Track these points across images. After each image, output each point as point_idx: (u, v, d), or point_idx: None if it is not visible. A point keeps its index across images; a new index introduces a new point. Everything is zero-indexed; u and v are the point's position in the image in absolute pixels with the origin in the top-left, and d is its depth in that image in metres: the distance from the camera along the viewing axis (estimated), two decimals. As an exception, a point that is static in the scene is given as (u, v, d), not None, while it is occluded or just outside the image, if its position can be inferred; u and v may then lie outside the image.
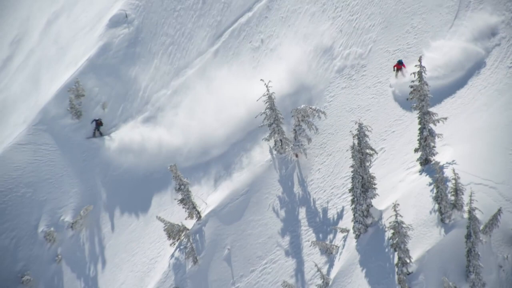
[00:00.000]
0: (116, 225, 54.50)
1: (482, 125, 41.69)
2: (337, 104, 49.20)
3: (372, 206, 40.83)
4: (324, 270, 42.04)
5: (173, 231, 49.20)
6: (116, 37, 60.93)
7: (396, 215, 36.72)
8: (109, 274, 52.61)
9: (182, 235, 48.94)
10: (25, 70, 66.18)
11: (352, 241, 41.39)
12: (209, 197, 50.69)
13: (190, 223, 49.67)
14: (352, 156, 40.35)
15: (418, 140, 40.86)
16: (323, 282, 41.13)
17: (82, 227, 55.10)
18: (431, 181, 39.24)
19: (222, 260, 47.38)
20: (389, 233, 38.17)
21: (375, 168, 42.15)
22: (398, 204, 37.00)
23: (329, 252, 42.86)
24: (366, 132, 40.32)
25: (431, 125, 40.40)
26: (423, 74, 39.47)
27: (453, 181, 37.39)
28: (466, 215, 36.55)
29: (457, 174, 37.36)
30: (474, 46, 46.33)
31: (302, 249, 44.72)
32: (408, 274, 36.87)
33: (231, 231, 48.20)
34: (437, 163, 39.23)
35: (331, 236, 43.70)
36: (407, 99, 42.54)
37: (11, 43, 70.39)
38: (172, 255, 49.39)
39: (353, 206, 40.89)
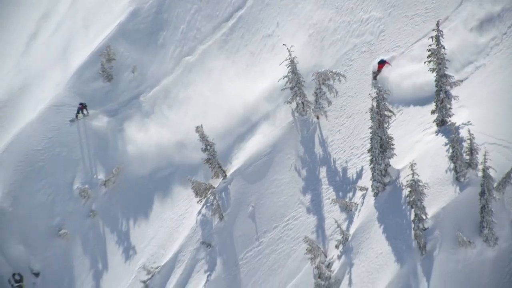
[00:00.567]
0: (146, 184, 55.23)
1: (497, 88, 41.45)
2: (357, 67, 49.04)
3: (390, 165, 40.96)
4: (344, 226, 42.32)
5: (200, 189, 49.72)
6: (145, 2, 61.04)
7: (413, 174, 36.86)
8: (140, 229, 53.34)
9: (209, 193, 49.42)
10: (55, 40, 66.50)
11: (370, 199, 41.62)
12: (234, 157, 51.13)
13: (216, 182, 50.26)
14: (371, 118, 40.45)
15: (434, 102, 40.87)
16: (342, 237, 41.53)
17: (114, 184, 55.80)
18: (447, 142, 39.27)
19: (247, 217, 47.86)
20: (406, 191, 38.35)
21: (393, 129, 42.07)
22: (415, 164, 37.14)
23: (348, 209, 43.14)
24: (385, 95, 40.44)
25: (448, 88, 40.38)
26: (440, 38, 39.39)
27: (468, 141, 37.44)
28: (480, 174, 36.64)
29: (472, 134, 37.38)
30: (491, 7, 45.55)
31: (322, 206, 45.00)
32: (424, 230, 37.15)
33: (255, 189, 48.57)
34: (453, 124, 39.27)
35: (350, 194, 43.89)
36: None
37: (38, 20, 70.53)
38: (199, 212, 49.95)
39: (372, 165, 41.07)
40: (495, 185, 36.60)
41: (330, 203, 44.19)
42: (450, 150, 38.00)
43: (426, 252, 36.83)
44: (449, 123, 40.23)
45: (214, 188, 49.57)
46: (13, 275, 54.33)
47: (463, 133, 38.30)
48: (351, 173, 44.78)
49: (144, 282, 49.64)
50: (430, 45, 39.90)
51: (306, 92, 48.26)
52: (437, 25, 39.11)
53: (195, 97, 55.81)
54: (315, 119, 48.45)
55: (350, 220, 42.63)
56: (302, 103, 48.79)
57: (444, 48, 39.57)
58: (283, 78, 48.24)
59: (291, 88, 48.34)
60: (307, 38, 52.67)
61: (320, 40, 52.11)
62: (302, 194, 46.31)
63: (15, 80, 64.32)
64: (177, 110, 55.96)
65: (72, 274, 54.25)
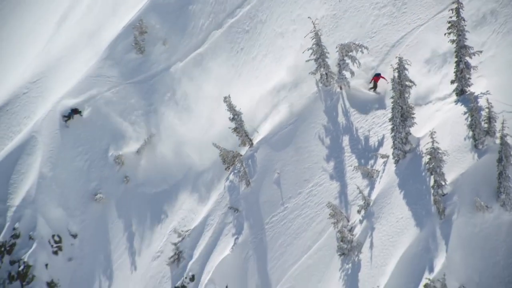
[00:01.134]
0: (177, 149, 55.60)
1: (515, 57, 41.30)
2: (379, 39, 48.75)
3: (410, 133, 40.85)
4: (366, 192, 42.31)
5: (228, 157, 50.15)
6: (176, -24, 61.30)
7: (432, 142, 36.82)
8: (171, 195, 53.92)
9: (236, 160, 49.79)
10: (88, 18, 66.80)
11: (391, 166, 41.57)
12: (260, 126, 51.31)
13: (243, 150, 50.60)
14: (392, 88, 40.40)
15: (454, 72, 40.68)
16: (364, 203, 41.63)
17: (147, 152, 56.32)
18: (466, 110, 39.11)
19: (272, 183, 48.10)
20: (426, 159, 38.25)
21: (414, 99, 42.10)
22: (434, 132, 37.10)
23: (370, 176, 43.13)
24: (406, 66, 40.35)
25: (467, 58, 40.18)
26: (460, 10, 39.18)
27: (487, 110, 37.31)
28: (498, 141, 36.54)
29: (491, 103, 37.23)
30: None
31: (345, 173, 45.03)
32: (443, 195, 37.15)
33: (280, 157, 48.72)
34: (472, 93, 39.18)
35: (372, 161, 43.82)
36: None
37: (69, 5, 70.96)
38: (227, 178, 50.38)
39: (393, 134, 41.00)
40: (512, 152, 36.61)
41: (353, 170, 44.16)
42: (469, 119, 37.94)
43: (445, 217, 36.87)
44: (468, 92, 40.17)
45: (241, 155, 49.91)
46: (53, 236, 55.26)
47: (482, 102, 38.13)
48: (373, 141, 44.71)
49: (175, 244, 50.22)
50: (451, 17, 39.72)
51: (330, 63, 48.31)
52: (458, -3, 38.96)
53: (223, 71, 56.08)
54: (338, 89, 48.38)
55: (371, 186, 42.64)
56: (326, 74, 48.74)
57: (464, 20, 39.36)
58: (308, 50, 48.24)
59: (315, 60, 48.27)
60: (331, 10, 52.46)
61: (343, 11, 51.87)
62: (325, 161, 46.41)
63: (52, 53, 64.96)
64: (204, 84, 56.23)
65: (108, 236, 55.07)
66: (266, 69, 53.33)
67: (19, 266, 54.18)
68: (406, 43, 47.05)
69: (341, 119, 47.22)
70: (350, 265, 40.66)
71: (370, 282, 38.49)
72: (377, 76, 46.04)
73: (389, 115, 41.29)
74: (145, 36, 59.66)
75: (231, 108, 48.81)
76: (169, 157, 54.57)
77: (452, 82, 40.95)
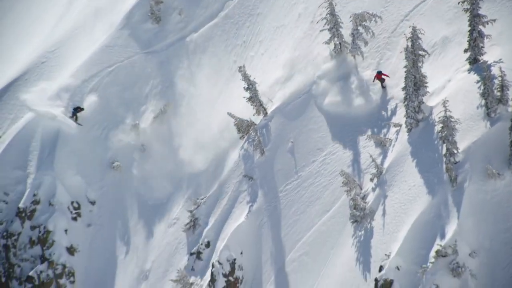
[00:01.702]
0: (193, 118, 55.61)
1: (529, 25, 40.78)
2: (393, 9, 48.27)
3: (423, 102, 40.63)
4: (378, 161, 42.19)
5: (243, 126, 50.12)
6: None
7: (445, 111, 36.61)
8: (186, 162, 54.08)
9: (251, 129, 49.74)
10: None
11: (404, 135, 41.38)
12: (275, 95, 51.14)
13: (257, 119, 50.48)
14: (406, 57, 40.08)
15: (467, 41, 40.23)
16: (377, 171, 41.49)
17: (163, 121, 56.45)
18: (478, 79, 38.78)
19: (286, 152, 48.08)
20: (438, 127, 38.04)
21: (427, 68, 41.65)
22: (447, 101, 36.89)
23: (383, 145, 42.95)
24: (419, 35, 39.96)
25: (481, 27, 39.69)
26: (475, -20, 38.77)
27: (500, 78, 36.96)
28: (510, 109, 36.33)
29: (504, 71, 36.87)
30: None
31: (358, 142, 44.86)
32: (455, 163, 36.98)
33: (294, 126, 48.63)
34: (485, 62, 38.80)
35: (385, 130, 43.65)
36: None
37: None
38: (242, 147, 50.40)
39: (406, 103, 40.78)
40: (525, 120, 36.26)
41: (366, 139, 43.94)
42: (482, 87, 37.63)
43: (456, 184, 36.73)
44: (481, 61, 39.78)
45: (255, 125, 49.88)
46: (72, 203, 55.68)
47: (495, 70, 37.81)
48: (386, 110, 44.53)
49: (190, 211, 50.48)
50: (464, -15, 39.32)
51: (344, 33, 47.95)
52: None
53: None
54: (351, 59, 48.11)
55: (384, 154, 42.53)
56: (340, 44, 48.39)
57: (478, -12, 38.94)
58: (322, 20, 47.90)
59: (329, 30, 47.92)
60: None
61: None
62: (339, 130, 46.33)
63: (69, 24, 64.99)
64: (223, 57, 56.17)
65: (125, 203, 55.47)
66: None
67: (40, 232, 54.66)
68: (421, 12, 46.54)
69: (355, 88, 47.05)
70: (362, 232, 40.71)
71: (382, 248, 38.55)
72: (379, 74, 45.29)
73: (403, 85, 41.03)
74: (161, 6, 59.49)
75: (245, 77, 48.68)
76: (184, 125, 54.70)
77: (465, 51, 40.56)
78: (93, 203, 56.16)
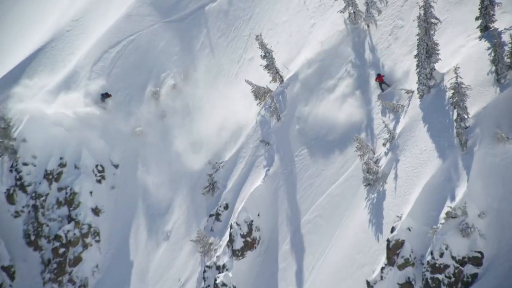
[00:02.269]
0: (211, 88, 55.92)
1: (539, -7, 40.40)
2: (406, -22, 48.11)
3: (435, 69, 40.60)
4: (391, 126, 42.22)
5: (259, 93, 50.35)
6: None
7: (456, 77, 36.51)
8: (204, 128, 54.46)
9: (267, 96, 50.01)
10: None
11: (416, 101, 41.41)
12: (290, 63, 51.26)
13: (273, 86, 50.69)
14: (418, 25, 39.87)
15: (479, 9, 40.01)
16: (389, 136, 41.63)
17: (183, 88, 56.76)
18: (489, 46, 38.58)
19: (302, 118, 48.24)
20: (449, 93, 37.89)
21: (439, 36, 41.49)
22: (458, 67, 36.74)
23: (395, 111, 42.94)
24: (432, 3, 39.83)
25: (492, -5, 39.55)
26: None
27: (510, 45, 36.69)
28: (520, 75, 36.42)
29: (514, 38, 36.88)
30: None
31: (371, 108, 44.98)
32: (465, 128, 36.96)
33: (309, 92, 48.81)
34: (496, 29, 38.58)
35: (397, 97, 43.70)
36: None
37: None
38: (259, 113, 50.68)
39: (418, 70, 40.72)
40: (534, 85, 36.24)
41: (379, 105, 44.11)
42: (492, 54, 37.45)
43: (466, 148, 36.76)
44: (492, 28, 39.59)
45: (272, 91, 50.12)
46: (96, 166, 56.47)
47: (505, 37, 37.58)
48: (398, 77, 44.51)
49: (210, 175, 51.04)
50: (477, -45, 39.05)
51: (358, 2, 47.87)
52: None
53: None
54: (365, 27, 48.00)
55: (396, 120, 42.55)
56: (354, 12, 48.34)
57: (489, -42, 38.64)
58: (335, -8, 47.99)
59: (344, -1, 47.99)
60: None
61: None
62: (352, 95, 46.43)
63: None
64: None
65: (147, 165, 56.19)
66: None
67: (66, 193, 55.59)
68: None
69: (368, 55, 46.97)
70: (375, 194, 40.94)
71: (394, 210, 38.79)
72: (379, 76, 45.13)
73: (415, 52, 41.00)
74: (181, -25, 59.75)
75: (262, 46, 48.82)
76: (202, 90, 55.03)
77: (477, 18, 40.37)
78: (116, 166, 56.92)
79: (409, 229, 36.79)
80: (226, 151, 51.79)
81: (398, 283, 36.63)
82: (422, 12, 39.61)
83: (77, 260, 54.57)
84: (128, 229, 54.85)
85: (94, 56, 59.92)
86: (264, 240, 46.32)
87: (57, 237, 54.53)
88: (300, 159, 47.06)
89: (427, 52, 40.18)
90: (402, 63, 44.73)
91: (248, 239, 46.08)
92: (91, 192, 55.54)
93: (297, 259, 43.58)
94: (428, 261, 35.40)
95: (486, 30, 40.10)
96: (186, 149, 54.43)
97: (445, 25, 42.96)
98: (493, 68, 37.62)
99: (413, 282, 36.38)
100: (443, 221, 35.29)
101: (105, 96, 57.62)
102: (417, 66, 40.75)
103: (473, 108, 37.31)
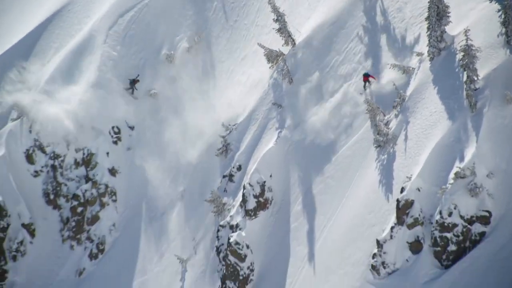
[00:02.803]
0: (224, 48, 55.82)
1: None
2: None
3: (445, 32, 40.23)
4: (401, 89, 42.26)
5: (272, 56, 50.20)
6: None
7: (466, 39, 36.24)
8: (218, 91, 54.57)
9: (280, 59, 49.86)
10: None
11: (426, 63, 41.12)
12: (302, 26, 50.96)
13: (286, 50, 50.46)
14: (430, -11, 39.73)
15: (490, -29, 39.76)
16: (400, 98, 41.58)
17: (197, 51, 56.62)
18: (499, 8, 38.17)
19: (314, 81, 48.05)
20: (459, 55, 37.67)
21: (449, -1, 41.20)
22: (469, 30, 36.49)
23: (406, 73, 42.93)
24: (443, -32, 39.42)
25: (503, -43, 39.02)
26: None
27: (520, 7, 36.65)
28: (530, 37, 36.07)
29: (525, 0, 36.49)
30: None
31: (382, 70, 44.81)
32: (475, 90, 36.77)
33: (321, 56, 48.54)
34: (507, -9, 38.26)
35: (408, 59, 43.38)
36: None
37: None
38: (271, 76, 50.58)
39: (429, 33, 40.33)
40: (543, 45, 35.90)
41: (389, 68, 43.90)
42: (503, 16, 37.07)
43: (476, 110, 36.60)
44: (503, -10, 39.27)
45: (284, 55, 49.94)
46: (112, 127, 56.73)
47: (516, -1, 37.35)
48: (409, 40, 44.10)
49: (223, 137, 51.16)
50: None
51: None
52: None
53: None
54: (376, -9, 47.67)
55: (407, 82, 42.43)
56: (366, -29, 47.97)
57: None
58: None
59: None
60: None
61: None
62: (364, 59, 46.00)
63: None
64: None
65: (161, 127, 56.31)
66: None
67: (83, 154, 55.99)
68: None
69: (379, 18, 46.56)
70: (385, 156, 40.87)
71: (404, 171, 38.80)
72: (366, 76, 44.72)
73: (426, 15, 40.65)
74: None
75: (274, 9, 48.51)
76: (216, 53, 54.91)
77: (488, -20, 40.05)
78: (132, 128, 57.14)
79: (419, 190, 36.85)
80: (239, 115, 51.81)
81: (407, 242, 36.84)
82: (433, -25, 39.22)
83: (95, 219, 55.22)
84: (143, 189, 55.23)
85: (110, 19, 59.73)
86: (276, 201, 46.52)
87: (75, 197, 55.11)
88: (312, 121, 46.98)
89: (438, 14, 39.78)
90: (413, 26, 44.35)
91: (261, 199, 46.32)
92: (107, 153, 55.90)
93: (308, 219, 43.76)
94: (437, 220, 35.55)
95: (497, -8, 39.72)
96: (201, 111, 54.48)
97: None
98: (503, 30, 37.28)
99: (422, 241, 36.56)
100: (452, 181, 35.32)
101: (134, 82, 57.37)
102: (428, 28, 40.38)
103: (483, 70, 37.06)
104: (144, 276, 51.83)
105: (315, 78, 47.90)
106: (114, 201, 55.55)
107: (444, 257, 35.46)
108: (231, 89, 53.72)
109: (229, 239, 45.34)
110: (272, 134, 48.41)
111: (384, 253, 37.22)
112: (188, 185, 53.10)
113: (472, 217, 35.05)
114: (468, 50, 36.47)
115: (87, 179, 55.29)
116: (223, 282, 45.67)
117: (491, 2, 39.56)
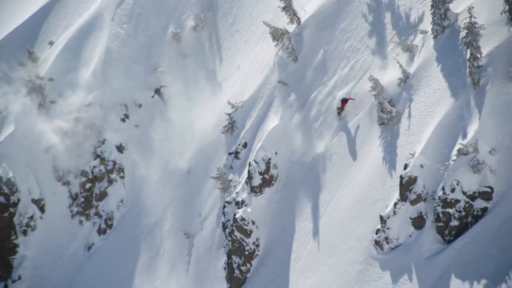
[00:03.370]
0: (231, 28, 55.58)
1: None
2: None
3: (449, 9, 39.93)
4: (405, 66, 42.15)
5: (277, 34, 49.96)
6: None
7: (470, 17, 35.95)
8: (225, 69, 54.45)
9: (285, 37, 49.61)
10: None
11: (430, 41, 40.84)
12: (307, 5, 50.61)
13: (291, 28, 50.22)
14: (434, -33, 39.39)
15: (494, -51, 39.26)
16: (404, 75, 41.43)
17: (203, 29, 56.39)
18: (503, -15, 38.07)
19: (318, 59, 48.01)
20: (463, 33, 37.38)
21: (453, -23, 40.79)
22: (472, 7, 36.12)
23: (409, 51, 42.68)
24: None
25: None
26: None
27: (524, -16, 36.27)
28: (533, 15, 35.71)
29: (528, -22, 36.09)
30: None
31: (387, 48, 44.60)
32: (478, 67, 36.52)
33: (326, 34, 48.21)
34: (511, -32, 37.82)
35: (412, 37, 43.06)
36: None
37: None
38: (277, 55, 50.36)
39: (433, 10, 40.05)
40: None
41: (394, 46, 43.67)
42: (506, -6, 36.95)
43: (479, 87, 36.40)
44: (507, -32, 38.82)
45: (289, 33, 49.69)
46: (120, 105, 56.79)
47: (520, -23, 36.96)
48: (413, 18, 43.80)
49: (229, 114, 51.13)
50: None
51: None
52: None
53: None
54: (380, -31, 47.24)
55: (411, 60, 42.16)
56: (370, -47, 47.51)
57: None
58: None
59: None
60: None
61: None
62: (368, 37, 45.73)
63: None
64: None
65: (168, 107, 56.32)
66: None
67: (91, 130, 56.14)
68: None
69: (384, -4, 46.40)
70: (389, 133, 40.80)
71: (407, 148, 38.78)
72: (344, 101, 44.32)
73: (430, -6, 40.40)
74: None
75: (280, -13, 48.29)
76: (222, 34, 54.72)
77: (492, -42, 39.58)
78: (139, 105, 57.17)
79: (422, 166, 36.85)
80: (245, 93, 51.68)
81: (410, 218, 36.92)
82: (437, -46, 38.84)
83: (103, 195, 55.48)
84: (150, 165, 55.39)
85: (116, -2, 59.83)
86: (281, 178, 46.56)
87: (83, 173, 55.39)
88: (318, 97, 46.81)
89: (442, -8, 39.55)
90: (417, 4, 44.01)
91: (266, 176, 46.38)
92: (116, 130, 56.06)
93: (313, 195, 43.83)
94: (439, 196, 35.57)
95: (501, -30, 39.26)
96: (207, 90, 54.48)
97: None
98: (507, 7, 36.91)
99: (424, 217, 36.64)
100: (454, 157, 35.26)
101: (157, 92, 56.98)
102: (432, 6, 40.09)
103: (486, 47, 36.77)
104: (152, 251, 52.18)
105: (320, 56, 47.73)
106: (122, 177, 55.78)
107: (446, 232, 35.51)
108: (237, 67, 53.56)
109: (235, 215, 45.49)
110: (277, 112, 48.37)
111: (388, 228, 37.33)
112: (195, 162, 53.22)
113: (474, 193, 35.04)
114: (472, 28, 36.21)
115: (95, 155, 55.50)
116: (229, 257, 45.91)
117: (495, -21, 39.26)
